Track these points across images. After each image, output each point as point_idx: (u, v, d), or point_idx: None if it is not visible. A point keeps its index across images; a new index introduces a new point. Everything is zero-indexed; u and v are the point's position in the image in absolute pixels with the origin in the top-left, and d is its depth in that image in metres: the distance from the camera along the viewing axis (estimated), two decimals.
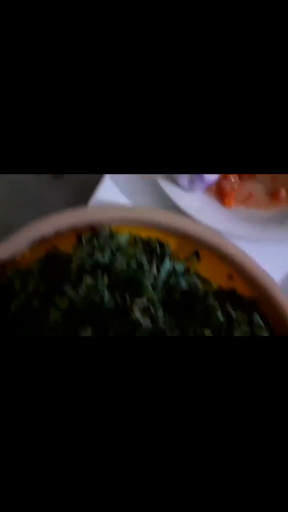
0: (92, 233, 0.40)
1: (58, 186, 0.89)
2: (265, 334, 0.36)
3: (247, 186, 0.47)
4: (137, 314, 0.31)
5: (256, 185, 0.47)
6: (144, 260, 0.38)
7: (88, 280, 0.34)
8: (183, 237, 0.43)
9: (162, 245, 0.42)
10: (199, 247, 0.42)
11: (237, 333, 0.34)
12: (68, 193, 0.92)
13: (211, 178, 0.42)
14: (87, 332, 0.30)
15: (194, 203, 0.44)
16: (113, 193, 0.48)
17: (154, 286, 0.36)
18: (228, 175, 0.46)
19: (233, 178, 0.46)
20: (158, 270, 0.38)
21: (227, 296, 0.40)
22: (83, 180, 0.96)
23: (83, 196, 0.98)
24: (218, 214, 0.44)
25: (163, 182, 0.44)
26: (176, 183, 0.43)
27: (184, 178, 0.42)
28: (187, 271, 0.40)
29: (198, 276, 0.41)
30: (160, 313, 0.33)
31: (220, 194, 0.46)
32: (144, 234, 0.43)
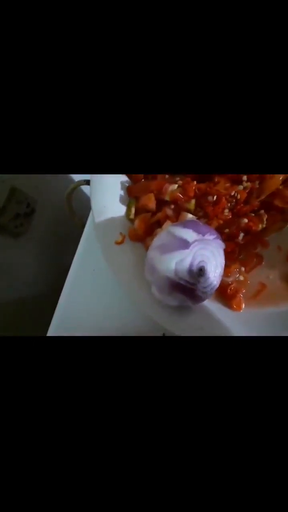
0: None
1: (20, 245, 0.76)
2: None
3: (256, 275, 0.35)
4: None
5: (268, 270, 0.35)
6: None
7: None
8: None
9: None
10: None
11: None
12: (34, 251, 0.80)
13: (210, 290, 0.30)
14: None
15: (191, 322, 0.33)
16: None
17: None
18: (230, 267, 0.34)
19: (236, 268, 0.35)
20: None
21: None
22: (44, 236, 0.83)
23: (50, 252, 0.85)
24: (226, 326, 0.33)
25: (146, 304, 0.32)
26: (165, 303, 0.32)
27: (174, 301, 0.30)
28: None
29: None
30: None
31: (224, 296, 0.34)
32: None
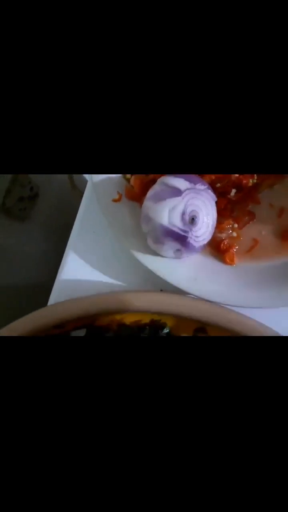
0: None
1: (24, 228, 0.78)
2: None
3: (249, 231, 0.36)
4: None
5: (260, 226, 0.37)
6: None
7: None
8: (181, 317, 0.34)
9: (156, 327, 0.34)
10: (201, 324, 0.34)
11: None
12: (38, 235, 0.81)
13: (202, 240, 0.32)
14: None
15: (186, 273, 0.34)
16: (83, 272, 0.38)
17: None
18: (223, 224, 0.35)
19: (228, 224, 0.36)
20: None
21: None
22: (48, 221, 0.84)
23: (55, 236, 0.87)
24: (219, 279, 0.35)
25: (143, 256, 0.34)
26: (160, 255, 0.33)
27: (169, 250, 0.32)
28: None
29: None
30: None
31: (218, 250, 0.36)
32: (132, 319, 0.35)
